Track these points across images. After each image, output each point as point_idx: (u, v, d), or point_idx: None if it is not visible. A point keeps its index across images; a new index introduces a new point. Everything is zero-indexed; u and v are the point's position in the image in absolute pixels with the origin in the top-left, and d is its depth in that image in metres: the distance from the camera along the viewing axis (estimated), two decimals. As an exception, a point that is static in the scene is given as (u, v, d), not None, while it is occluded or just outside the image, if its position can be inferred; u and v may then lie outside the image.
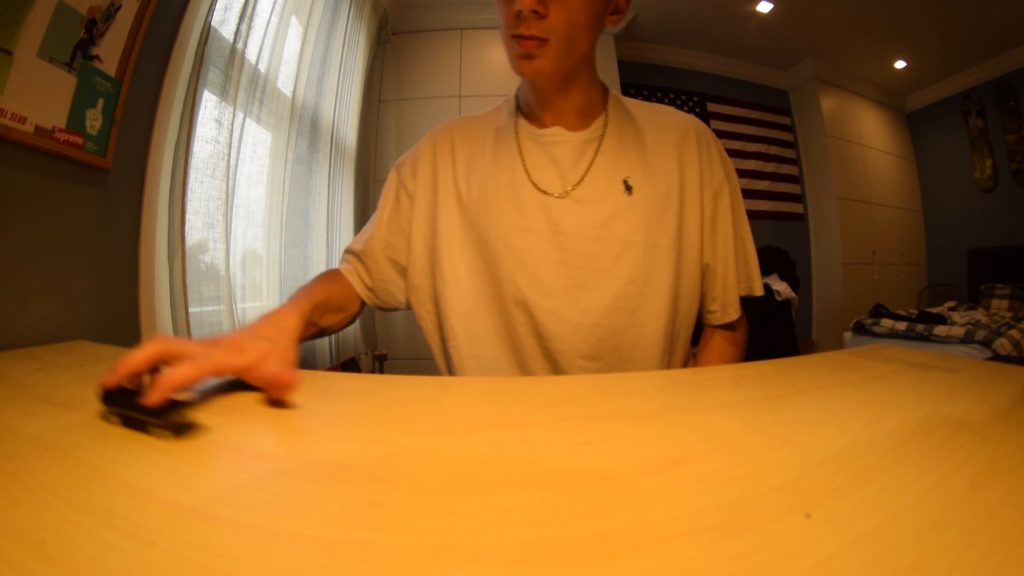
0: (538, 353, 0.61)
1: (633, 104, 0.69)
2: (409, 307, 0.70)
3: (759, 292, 0.67)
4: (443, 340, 0.66)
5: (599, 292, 0.60)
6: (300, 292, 0.59)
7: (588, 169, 0.62)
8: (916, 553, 0.16)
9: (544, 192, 0.62)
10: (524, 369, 0.62)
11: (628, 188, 0.61)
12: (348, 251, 0.72)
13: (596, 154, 0.63)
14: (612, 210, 0.60)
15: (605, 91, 0.68)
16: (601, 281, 0.60)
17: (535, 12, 0.52)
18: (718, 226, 0.66)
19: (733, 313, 0.67)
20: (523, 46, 0.55)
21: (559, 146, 0.63)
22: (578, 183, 0.61)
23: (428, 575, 0.16)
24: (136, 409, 0.29)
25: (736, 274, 0.67)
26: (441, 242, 0.65)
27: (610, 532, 0.18)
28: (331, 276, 0.69)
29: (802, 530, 0.18)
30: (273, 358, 0.38)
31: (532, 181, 0.62)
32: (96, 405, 0.31)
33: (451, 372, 0.66)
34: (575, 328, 0.60)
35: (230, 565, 0.16)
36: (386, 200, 0.71)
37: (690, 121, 0.67)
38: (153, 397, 0.29)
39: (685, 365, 0.67)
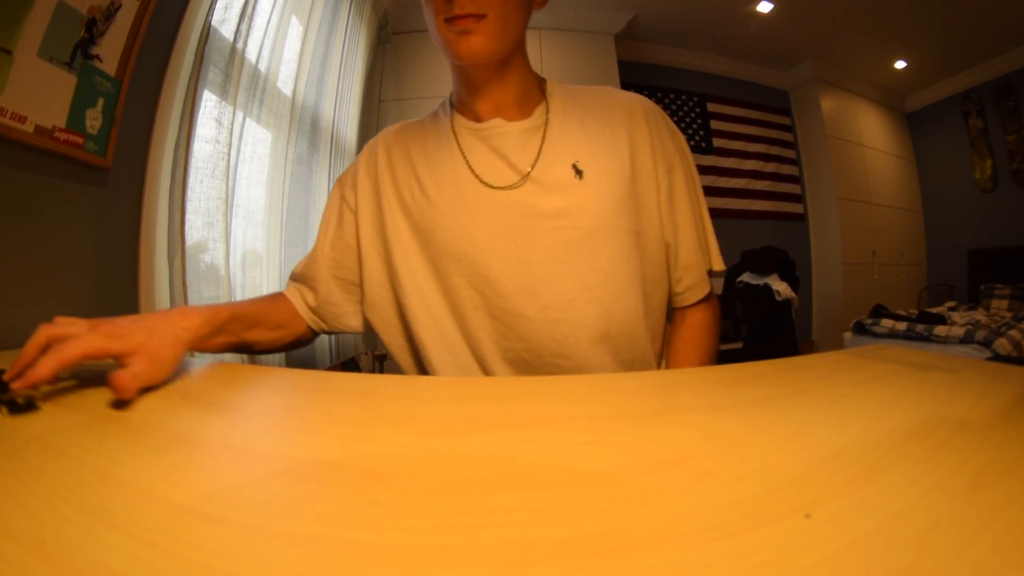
0: (506, 356, 0.59)
1: (575, 89, 0.67)
2: (362, 329, 0.67)
3: (719, 267, 0.67)
4: (415, 352, 0.63)
5: (561, 285, 0.57)
6: (226, 304, 0.57)
7: (536, 158, 0.59)
8: (916, 553, 0.16)
9: (490, 186, 0.59)
10: (495, 374, 0.59)
11: (578, 173, 0.58)
12: (292, 276, 0.70)
13: (542, 142, 0.60)
14: (565, 198, 0.58)
15: (541, 80, 0.66)
16: (561, 274, 0.57)
17: None
18: (675, 202, 0.64)
19: (702, 290, 0.66)
20: (459, 25, 0.52)
21: (501, 138, 0.60)
22: (527, 174, 0.58)
23: (428, 575, 0.16)
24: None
25: (699, 250, 0.65)
26: (394, 252, 0.62)
27: (610, 532, 0.18)
28: (273, 296, 0.68)
29: (802, 530, 0.18)
30: (146, 352, 0.38)
31: (476, 176, 0.59)
32: (96, 405, 0.31)
33: (424, 368, 0.64)
34: (540, 326, 0.56)
35: (230, 565, 0.16)
36: (329, 218, 0.68)
37: (636, 99, 0.65)
38: (24, 380, 0.33)
39: (662, 350, 0.66)
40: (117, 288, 0.94)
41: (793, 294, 2.63)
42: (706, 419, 0.32)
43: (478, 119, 0.62)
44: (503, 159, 0.60)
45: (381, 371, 2.40)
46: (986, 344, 2.21)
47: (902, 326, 2.57)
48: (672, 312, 0.68)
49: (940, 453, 0.25)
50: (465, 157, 0.61)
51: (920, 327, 2.49)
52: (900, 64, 3.49)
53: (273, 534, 0.18)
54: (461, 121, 0.63)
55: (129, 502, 0.20)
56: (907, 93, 3.94)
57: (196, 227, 1.11)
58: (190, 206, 1.07)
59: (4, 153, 0.71)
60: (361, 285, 0.66)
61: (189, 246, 1.07)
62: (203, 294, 1.15)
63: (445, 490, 0.22)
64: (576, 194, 0.58)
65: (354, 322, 0.67)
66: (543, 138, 0.60)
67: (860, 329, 2.78)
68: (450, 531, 0.18)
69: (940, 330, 2.40)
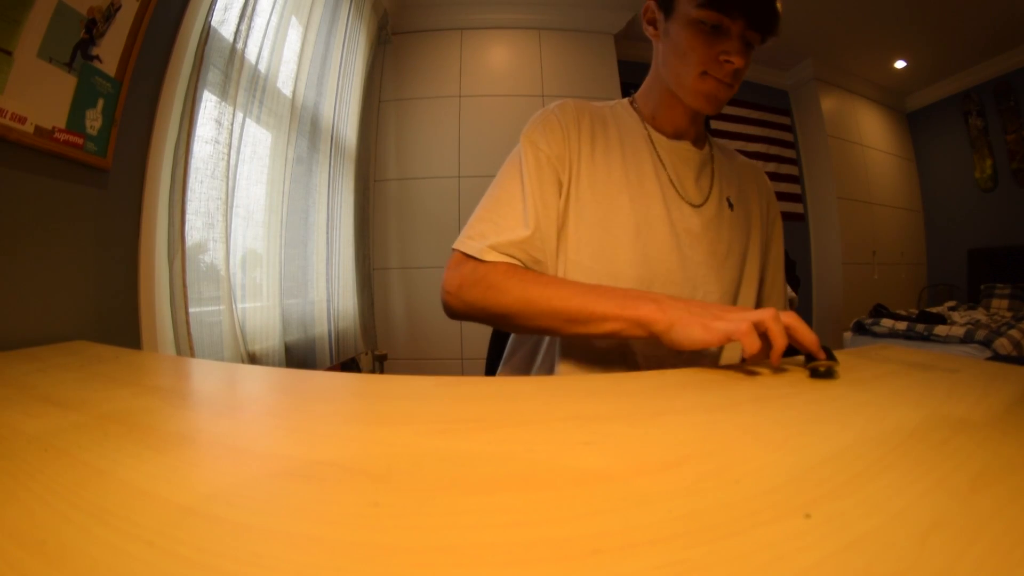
0: (643, 346, 0.64)
1: (717, 140, 0.81)
2: None
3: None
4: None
5: (709, 287, 0.68)
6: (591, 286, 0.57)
7: (711, 185, 0.72)
8: (916, 553, 0.16)
9: (686, 200, 0.69)
10: (625, 360, 0.65)
11: (731, 205, 0.73)
12: (510, 244, 0.62)
13: (713, 173, 0.74)
14: (722, 222, 0.71)
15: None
16: (712, 278, 0.68)
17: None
18: (771, 248, 0.80)
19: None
20: (714, 87, 0.63)
21: (690, 160, 0.72)
22: (707, 197, 0.71)
23: (428, 575, 0.16)
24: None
25: (783, 287, 0.80)
26: (570, 219, 0.65)
27: (610, 532, 0.18)
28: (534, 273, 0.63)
29: (802, 530, 0.18)
30: None
31: (674, 185, 0.69)
32: (96, 405, 0.31)
33: (550, 356, 0.67)
34: None
35: (230, 565, 0.16)
36: (528, 170, 0.65)
37: (757, 164, 0.84)
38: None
39: None
40: (117, 288, 0.94)
41: (793, 294, 2.62)
42: (706, 419, 0.32)
43: (667, 135, 0.72)
44: (692, 178, 0.71)
45: (381, 371, 2.40)
46: (986, 344, 2.21)
47: (902, 326, 2.57)
48: None
49: (940, 453, 0.25)
50: (664, 165, 0.71)
51: (920, 327, 2.49)
52: (900, 64, 3.48)
53: (273, 534, 0.18)
54: (655, 133, 0.72)
55: (129, 502, 0.20)
56: (907, 93, 3.93)
57: (196, 227, 1.11)
58: (190, 206, 1.07)
59: (4, 153, 0.71)
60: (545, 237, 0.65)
61: (189, 246, 1.07)
62: (203, 294, 1.15)
63: (445, 490, 0.22)
64: (728, 221, 0.72)
65: None
66: (713, 170, 0.74)
67: (860, 329, 2.78)
68: (450, 531, 0.18)
69: (940, 330, 2.40)
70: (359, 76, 2.23)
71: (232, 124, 1.21)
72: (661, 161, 0.70)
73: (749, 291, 0.74)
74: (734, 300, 0.71)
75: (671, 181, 0.69)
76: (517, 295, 0.57)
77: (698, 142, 0.74)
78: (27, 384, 0.43)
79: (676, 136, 0.72)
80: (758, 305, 0.77)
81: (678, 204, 0.68)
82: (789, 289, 2.72)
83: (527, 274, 0.59)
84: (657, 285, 0.65)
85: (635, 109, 0.75)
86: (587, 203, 0.66)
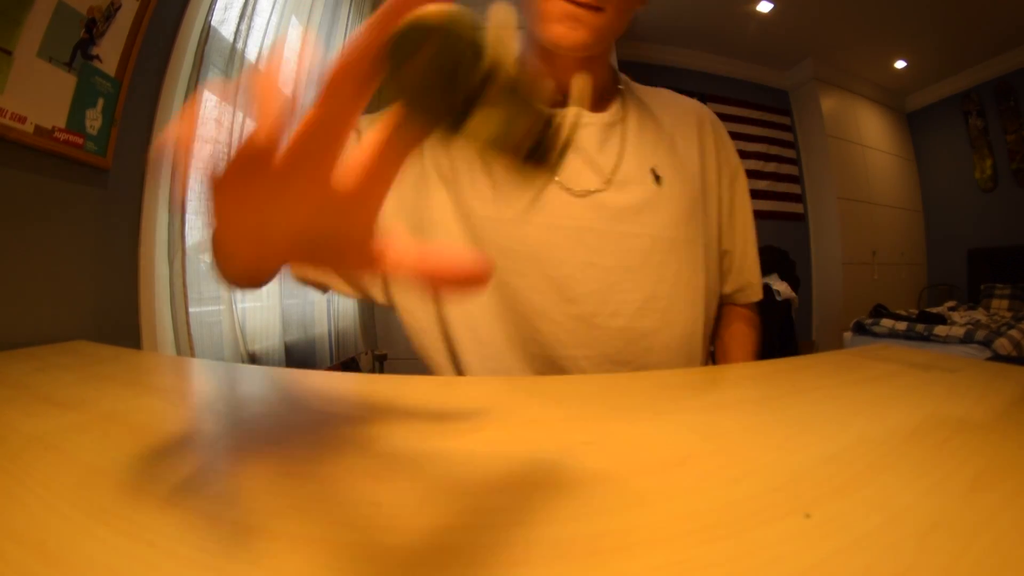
0: (558, 360, 0.53)
1: (641, 87, 0.63)
2: (383, 301, 0.55)
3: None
4: (448, 340, 0.55)
5: (630, 294, 0.53)
6: None
7: (618, 161, 0.55)
8: (916, 553, 0.16)
9: (569, 190, 0.53)
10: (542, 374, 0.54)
11: (657, 179, 0.55)
12: None
13: (623, 142, 0.56)
14: (643, 203, 0.54)
15: (616, 71, 0.60)
16: (631, 282, 0.53)
17: None
18: (736, 210, 0.63)
19: (756, 294, 0.66)
20: (569, 11, 0.46)
21: (581, 129, 0.55)
22: (609, 178, 0.54)
23: (428, 575, 0.16)
24: None
25: (756, 255, 0.65)
26: (437, 233, 0.53)
27: (610, 532, 0.18)
28: None
29: (802, 530, 0.18)
30: None
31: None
32: (96, 404, 0.31)
33: (459, 369, 0.56)
34: (603, 333, 0.53)
35: (230, 565, 0.16)
36: None
37: (702, 107, 0.64)
38: None
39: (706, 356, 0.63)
40: (117, 288, 0.94)
41: (793, 294, 2.63)
42: (706, 419, 0.32)
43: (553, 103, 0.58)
44: (583, 156, 0.54)
45: (381, 371, 2.40)
46: (986, 344, 2.21)
47: (902, 326, 2.57)
48: (722, 312, 0.67)
49: (940, 453, 0.25)
50: None
51: (920, 327, 2.49)
52: (900, 64, 3.49)
53: (273, 534, 0.18)
54: None
55: (129, 502, 0.20)
56: (907, 93, 3.93)
57: (196, 227, 1.11)
58: (190, 206, 1.07)
59: (4, 153, 0.71)
60: None
61: (189, 246, 1.07)
62: (203, 294, 1.15)
63: (445, 490, 0.22)
64: (654, 202, 0.55)
65: (375, 291, 0.55)
66: (623, 137, 0.56)
67: (860, 329, 2.78)
68: (450, 531, 0.18)
69: (940, 330, 2.40)
70: (359, 76, 2.22)
71: (232, 124, 1.21)
72: None
73: (712, 282, 0.60)
74: (688, 302, 0.57)
75: None
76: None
77: (599, 104, 0.56)
78: (27, 384, 0.43)
79: (562, 95, 0.57)
80: (725, 289, 0.63)
81: (567, 199, 0.52)
82: (789, 289, 2.72)
83: None
84: (564, 302, 0.52)
85: None
86: (451, 215, 0.53)
